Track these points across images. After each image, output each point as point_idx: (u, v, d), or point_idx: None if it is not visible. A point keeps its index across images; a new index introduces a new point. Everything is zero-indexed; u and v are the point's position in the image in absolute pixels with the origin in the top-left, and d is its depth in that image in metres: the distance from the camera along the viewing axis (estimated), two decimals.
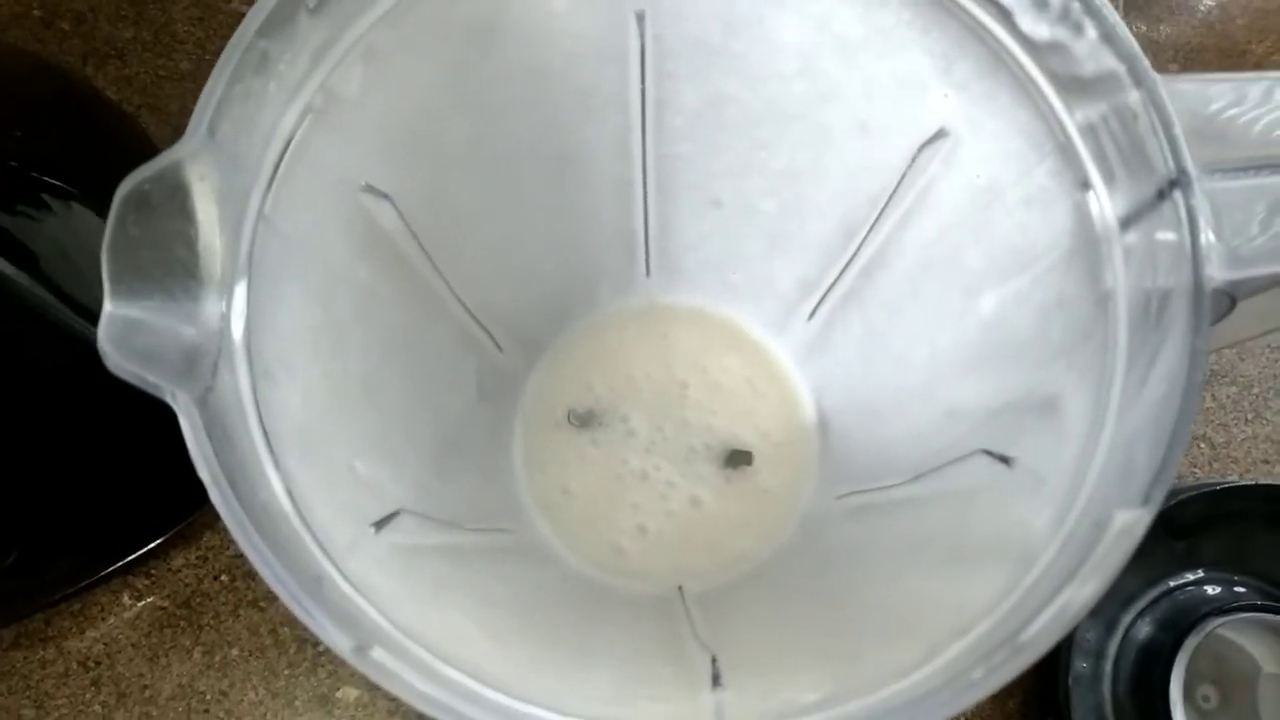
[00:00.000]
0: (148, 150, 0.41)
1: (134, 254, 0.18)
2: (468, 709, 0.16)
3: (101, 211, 0.32)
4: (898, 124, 0.26)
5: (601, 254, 0.34)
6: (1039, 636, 0.16)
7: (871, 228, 0.29)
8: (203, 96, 0.19)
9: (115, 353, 0.17)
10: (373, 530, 0.21)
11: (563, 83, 0.26)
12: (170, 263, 0.19)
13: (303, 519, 0.19)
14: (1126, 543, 0.16)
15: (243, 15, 0.19)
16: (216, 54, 0.20)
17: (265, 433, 0.19)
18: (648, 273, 0.35)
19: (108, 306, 0.18)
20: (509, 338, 0.33)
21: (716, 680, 0.21)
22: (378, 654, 0.17)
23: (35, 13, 0.44)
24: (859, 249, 0.30)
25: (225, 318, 0.19)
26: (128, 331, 0.18)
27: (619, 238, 0.33)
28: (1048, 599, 0.17)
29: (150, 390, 0.17)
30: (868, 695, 0.17)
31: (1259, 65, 0.45)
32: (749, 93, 0.28)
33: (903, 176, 0.27)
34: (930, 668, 0.17)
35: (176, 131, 0.20)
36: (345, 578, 0.18)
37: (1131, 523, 0.16)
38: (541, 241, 0.31)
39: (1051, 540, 0.18)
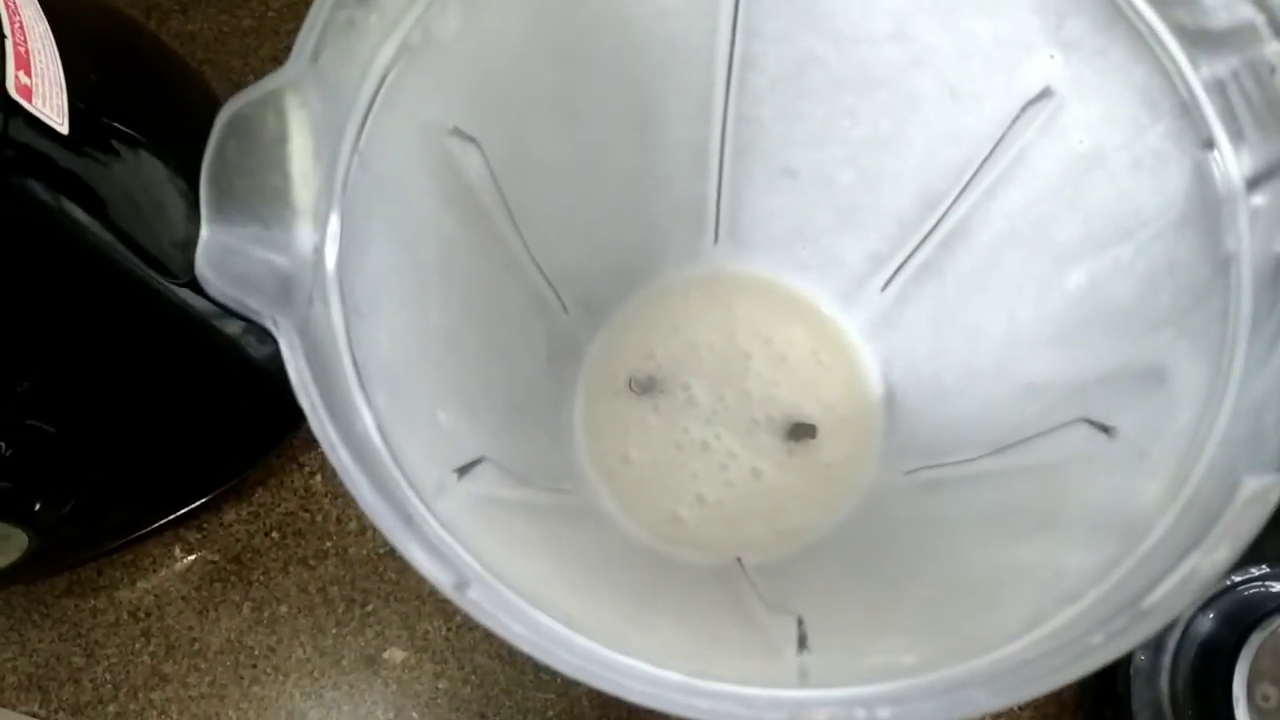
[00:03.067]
0: (212, 104, 0.41)
1: (231, 180, 0.18)
2: (564, 653, 0.16)
3: (167, 161, 0.32)
4: (991, 89, 0.25)
5: (671, 220, 0.33)
6: (1163, 602, 0.16)
7: (955, 200, 0.28)
8: (307, 21, 0.18)
9: (215, 278, 0.17)
10: (456, 476, 0.21)
11: (651, 35, 0.26)
12: (266, 190, 0.18)
13: (394, 456, 0.18)
14: (1259, 509, 0.16)
15: None
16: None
17: (357, 368, 0.19)
18: (716, 240, 0.34)
19: (205, 232, 0.17)
20: (574, 300, 0.32)
21: (803, 643, 0.20)
22: (475, 593, 0.16)
23: None
24: (939, 221, 0.29)
25: (319, 249, 0.19)
26: (225, 257, 0.17)
27: (690, 204, 0.33)
28: (1170, 567, 0.16)
29: (252, 316, 0.17)
30: (971, 659, 0.17)
31: None
32: (836, 54, 0.27)
33: (995, 145, 0.26)
34: (1039, 633, 0.17)
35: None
36: (435, 517, 0.18)
37: (1265, 489, 0.16)
38: (614, 202, 0.31)
39: (1167, 508, 0.18)
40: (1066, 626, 0.17)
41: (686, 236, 0.34)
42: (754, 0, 0.25)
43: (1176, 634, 0.38)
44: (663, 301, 0.35)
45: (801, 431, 0.33)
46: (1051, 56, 0.23)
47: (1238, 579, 0.38)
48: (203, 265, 0.17)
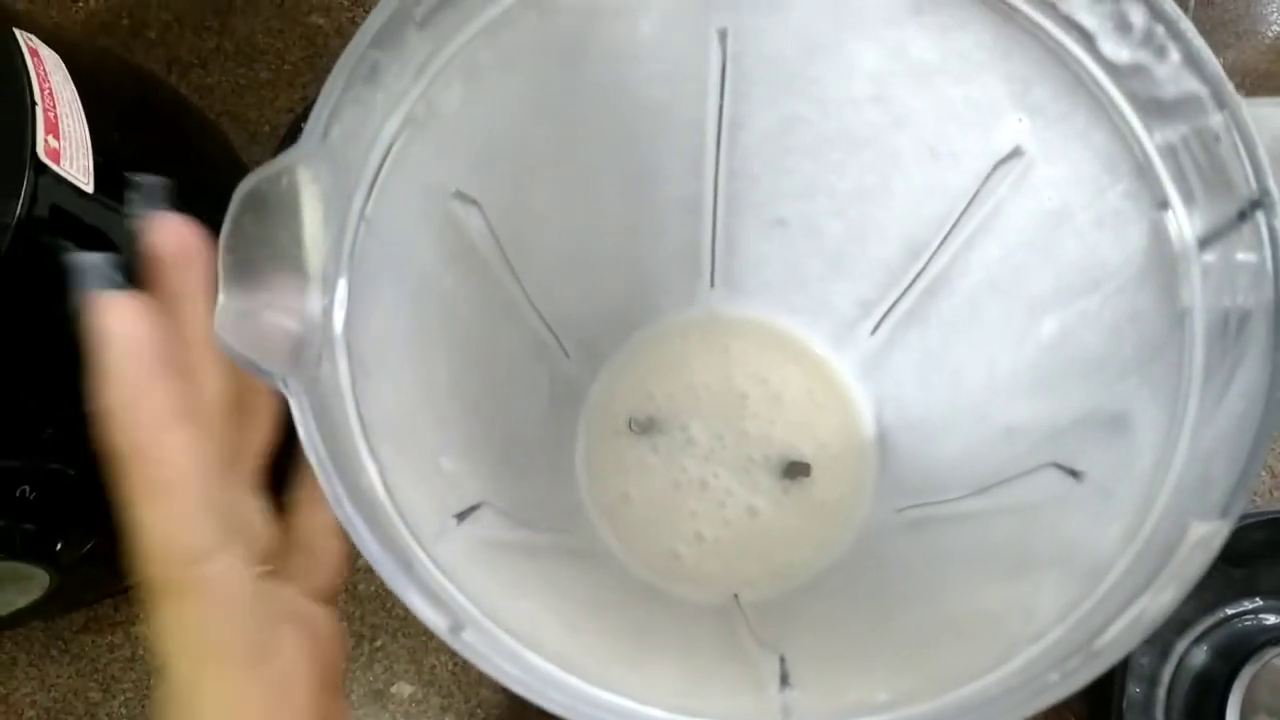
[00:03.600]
0: (229, 156, 0.43)
1: (248, 250, 0.19)
2: (555, 693, 0.17)
3: (187, 211, 0.33)
4: (966, 148, 0.26)
5: (668, 267, 0.35)
6: (1113, 643, 0.17)
7: (936, 250, 0.30)
8: (319, 101, 0.20)
9: (231, 341, 0.18)
10: (455, 521, 0.22)
11: (643, 99, 0.27)
12: (280, 259, 0.20)
13: (395, 505, 0.19)
14: (1203, 554, 0.16)
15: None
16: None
17: (363, 423, 0.20)
18: (712, 285, 0.35)
19: (223, 298, 0.19)
20: (575, 344, 0.34)
21: (785, 680, 0.21)
22: (470, 635, 0.17)
23: (124, 22, 0.46)
24: (923, 270, 0.31)
25: (328, 312, 0.20)
26: (241, 322, 0.19)
27: (686, 252, 0.34)
28: (1122, 608, 0.17)
29: (263, 377, 0.18)
30: (940, 696, 0.18)
31: None
32: (821, 116, 0.28)
33: (971, 199, 0.27)
34: (1004, 671, 0.18)
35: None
36: (435, 563, 0.19)
37: (1209, 535, 0.17)
38: (612, 252, 0.32)
39: (1125, 551, 0.19)
40: (1028, 665, 0.18)
41: (684, 282, 0.35)
42: (740, 68, 0.27)
43: (1171, 667, 0.38)
44: (661, 344, 0.37)
45: (797, 470, 0.34)
46: (1020, 120, 0.24)
47: (1231, 612, 0.38)
48: (220, 330, 0.18)
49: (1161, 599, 0.16)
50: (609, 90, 0.26)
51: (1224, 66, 0.19)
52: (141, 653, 0.39)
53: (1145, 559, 0.18)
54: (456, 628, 0.17)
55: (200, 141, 0.39)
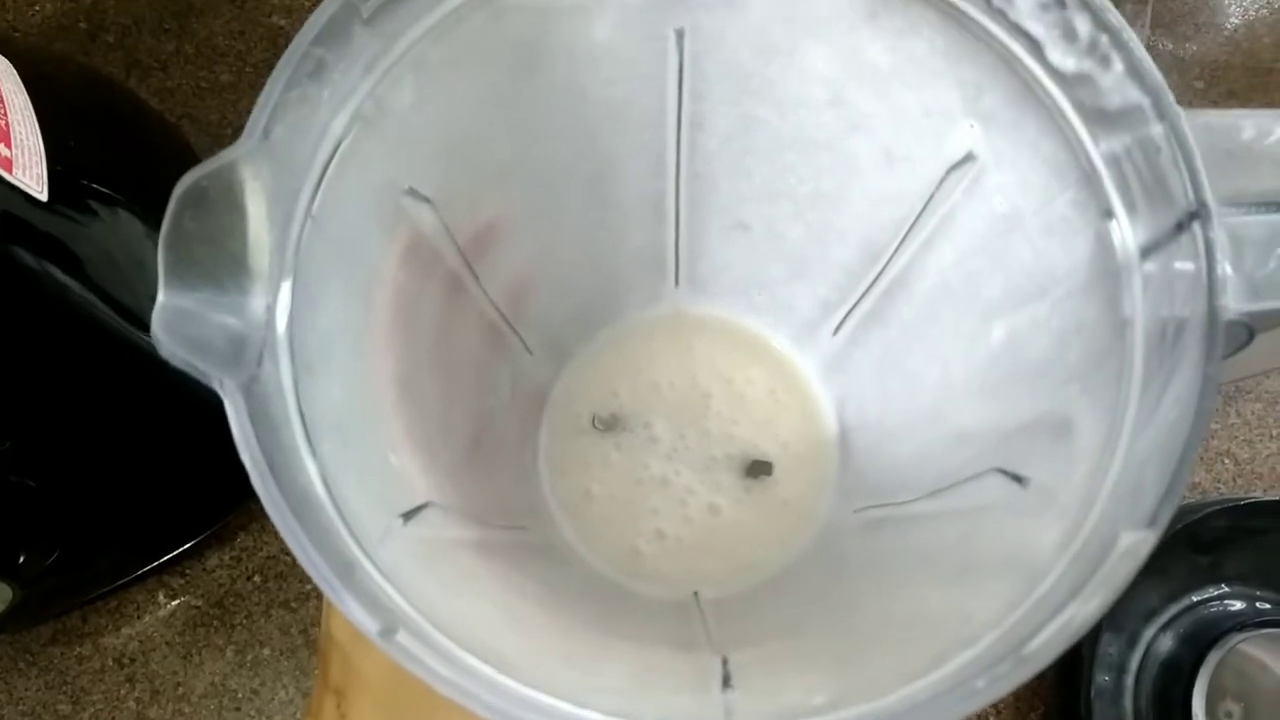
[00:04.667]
0: (190, 159, 0.42)
1: (188, 247, 0.19)
2: (486, 694, 0.17)
3: (146, 218, 0.33)
4: (922, 153, 0.26)
5: (632, 266, 0.35)
6: (1042, 649, 0.17)
7: (894, 253, 0.30)
8: (260, 99, 0.20)
9: (168, 340, 0.18)
10: (401, 521, 0.22)
11: (602, 102, 0.27)
12: (221, 257, 0.20)
13: (337, 507, 0.19)
14: (1130, 563, 0.17)
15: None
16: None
17: (304, 422, 0.20)
18: (677, 284, 0.35)
19: (161, 296, 0.19)
20: (538, 342, 0.34)
21: (727, 681, 0.21)
22: (403, 638, 0.17)
23: (81, 25, 0.45)
24: (882, 272, 0.31)
25: (271, 311, 0.20)
26: (179, 320, 0.19)
27: (650, 252, 0.34)
28: (1053, 614, 0.17)
29: (199, 377, 0.18)
30: (874, 699, 0.18)
31: None
32: (778, 118, 0.28)
33: (926, 204, 0.27)
34: (937, 675, 0.18)
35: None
36: (375, 566, 0.19)
37: (1137, 543, 0.17)
38: (573, 254, 0.32)
39: (1060, 557, 0.19)
40: (959, 670, 0.18)
41: (648, 281, 0.35)
42: (698, 68, 0.27)
43: (1138, 654, 0.38)
44: (626, 342, 0.37)
45: (759, 469, 0.35)
46: (971, 126, 0.24)
47: (1197, 599, 0.39)
48: (157, 328, 0.18)
49: (1089, 606, 0.16)
50: (566, 90, 0.26)
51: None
52: (110, 663, 0.39)
53: (1079, 565, 0.18)
54: (388, 631, 0.17)
55: (161, 146, 0.39)
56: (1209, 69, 0.44)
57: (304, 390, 0.20)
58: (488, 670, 0.18)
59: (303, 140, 0.21)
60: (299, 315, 0.21)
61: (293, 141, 0.21)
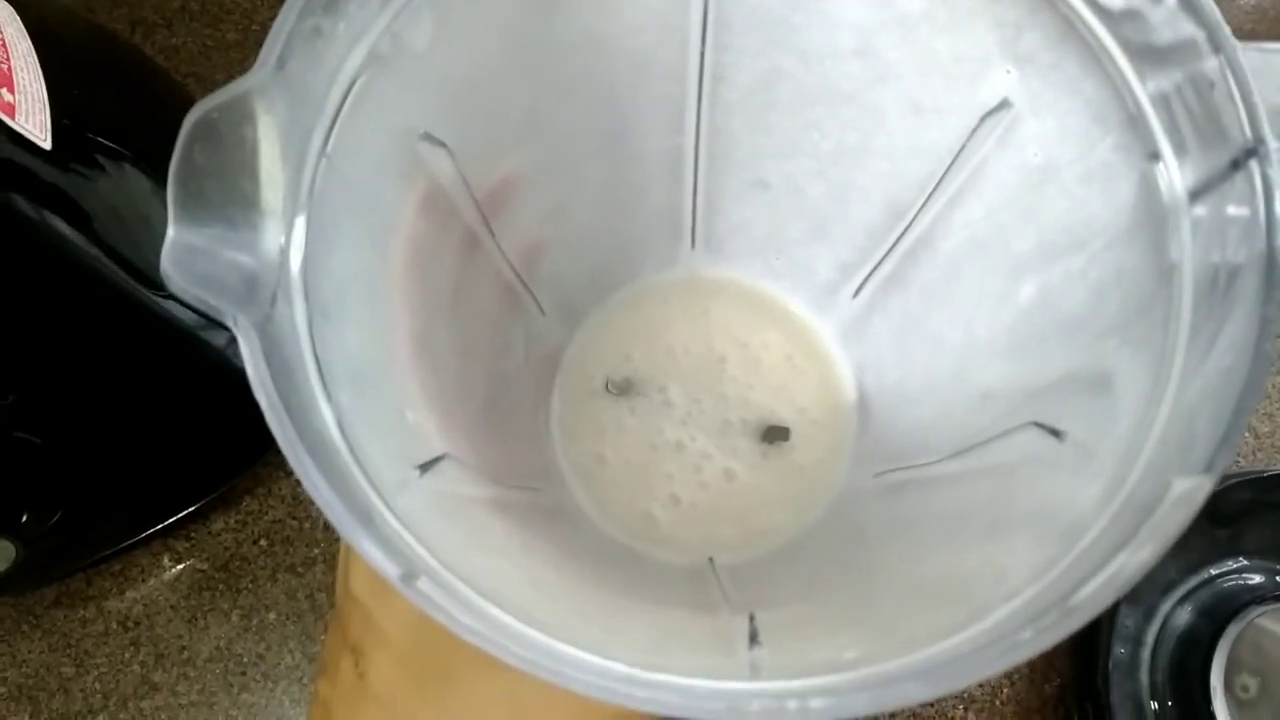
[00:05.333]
0: None
1: (199, 182, 0.18)
2: (513, 644, 0.17)
3: (151, 174, 0.32)
4: (951, 104, 0.26)
5: (648, 227, 0.34)
6: (1090, 600, 0.16)
7: (919, 211, 0.29)
8: (274, 29, 0.19)
9: (179, 277, 0.17)
10: (418, 472, 0.21)
11: (622, 52, 0.26)
12: (233, 192, 0.19)
13: (353, 453, 0.19)
14: (1185, 509, 0.16)
15: None
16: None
17: (320, 367, 0.19)
18: (693, 246, 0.35)
19: (171, 232, 0.18)
20: (552, 303, 0.33)
21: (754, 638, 0.21)
22: (424, 584, 0.17)
23: None
24: (905, 232, 0.30)
25: (284, 250, 0.19)
26: (190, 257, 0.18)
27: (667, 212, 0.33)
28: (1099, 566, 0.17)
29: (212, 314, 0.17)
30: (910, 654, 0.17)
31: None
32: (803, 69, 0.28)
33: (955, 157, 0.26)
34: (976, 629, 0.17)
35: None
36: (394, 513, 0.18)
37: (1191, 489, 0.16)
38: (589, 213, 0.31)
39: (1104, 510, 0.18)
40: (1001, 623, 0.17)
41: (664, 242, 0.35)
42: (722, 18, 0.26)
43: (1155, 627, 0.38)
44: (641, 305, 0.36)
45: (775, 434, 0.34)
46: (1008, 71, 0.23)
47: (1215, 572, 0.38)
48: (167, 264, 0.17)
49: (1140, 555, 0.16)
50: (587, 42, 0.26)
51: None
52: (114, 626, 0.38)
53: (1124, 517, 0.17)
54: (409, 576, 0.16)
55: (167, 103, 0.38)
56: (1255, 13, 0.43)
57: (319, 334, 0.19)
58: (511, 621, 0.17)
59: (317, 75, 0.20)
60: (313, 257, 0.20)
61: (307, 76, 0.20)
